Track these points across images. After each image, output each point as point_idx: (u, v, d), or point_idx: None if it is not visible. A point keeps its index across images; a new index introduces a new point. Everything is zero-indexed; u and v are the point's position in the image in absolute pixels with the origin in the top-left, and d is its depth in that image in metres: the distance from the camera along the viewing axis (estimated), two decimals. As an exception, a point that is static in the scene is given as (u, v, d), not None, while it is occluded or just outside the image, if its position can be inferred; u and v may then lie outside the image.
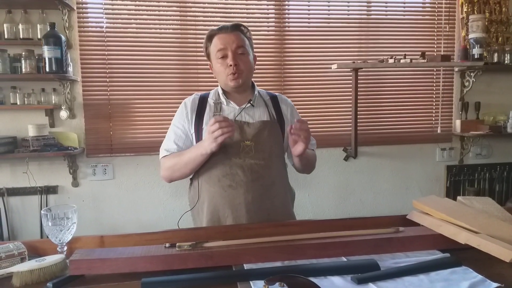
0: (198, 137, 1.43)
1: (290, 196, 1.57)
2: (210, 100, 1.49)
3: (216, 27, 1.45)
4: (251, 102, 1.46)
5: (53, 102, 2.51)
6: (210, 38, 1.44)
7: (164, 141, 1.51)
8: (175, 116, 1.51)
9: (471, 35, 2.79)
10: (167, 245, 1.03)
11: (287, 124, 1.48)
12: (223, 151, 1.38)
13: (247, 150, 1.40)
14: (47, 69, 2.29)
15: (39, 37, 2.41)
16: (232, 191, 1.38)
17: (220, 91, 1.48)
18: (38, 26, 2.44)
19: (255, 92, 1.50)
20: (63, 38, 2.35)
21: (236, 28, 1.43)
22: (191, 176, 1.51)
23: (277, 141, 1.46)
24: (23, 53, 2.35)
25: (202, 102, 1.49)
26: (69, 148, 2.46)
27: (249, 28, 1.48)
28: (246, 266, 0.97)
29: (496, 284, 0.84)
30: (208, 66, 1.52)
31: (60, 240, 1.04)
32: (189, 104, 1.49)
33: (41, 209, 2.51)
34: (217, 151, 1.34)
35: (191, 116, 1.46)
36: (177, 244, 1.01)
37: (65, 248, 1.05)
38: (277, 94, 1.58)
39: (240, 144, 1.40)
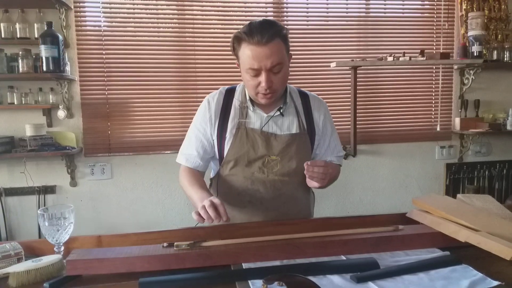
0: (221, 144, 1.33)
1: (312, 204, 1.50)
2: (236, 101, 1.35)
3: (246, 29, 1.19)
4: (281, 111, 1.32)
5: (51, 101, 2.50)
6: (239, 41, 1.21)
7: (184, 142, 1.39)
8: (198, 115, 1.38)
9: (470, 33, 2.79)
10: (165, 244, 1.02)
11: (318, 135, 1.38)
12: (246, 164, 1.29)
13: (272, 165, 1.30)
14: (44, 69, 2.28)
15: (36, 36, 2.40)
16: (252, 207, 1.30)
17: (248, 95, 1.34)
18: (35, 25, 2.42)
19: (287, 100, 1.34)
20: (60, 37, 2.34)
21: (274, 37, 1.17)
22: (211, 176, 1.44)
23: (305, 155, 1.34)
24: (20, 53, 2.34)
25: (227, 103, 1.34)
26: (67, 148, 2.45)
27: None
28: (245, 266, 0.96)
29: (496, 282, 0.84)
30: (236, 64, 1.32)
31: (57, 240, 1.03)
32: (213, 106, 1.34)
33: (39, 209, 2.50)
34: (240, 161, 1.28)
35: (214, 121, 1.33)
36: (175, 243, 1.00)
37: (62, 248, 1.04)
38: (310, 95, 1.42)
39: (265, 158, 1.29)
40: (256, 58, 1.18)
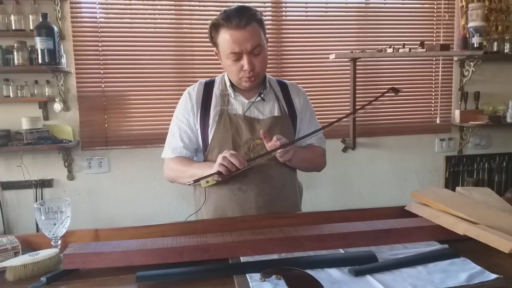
0: (204, 133, 1.33)
1: (299, 194, 1.49)
2: (216, 90, 1.36)
3: (222, 15, 1.22)
4: (262, 95, 1.34)
5: (47, 94, 2.48)
6: (216, 28, 1.24)
7: (168, 137, 1.39)
8: (178, 108, 1.39)
9: (470, 24, 2.76)
10: (191, 181, 1.17)
11: (299, 118, 1.40)
12: (231, 149, 1.26)
13: (258, 150, 1.30)
14: (40, 61, 2.26)
15: (31, 28, 2.38)
16: (242, 194, 1.29)
17: (228, 82, 1.36)
18: (30, 17, 2.40)
19: (267, 85, 1.37)
20: (56, 29, 2.32)
21: (251, 20, 1.21)
22: None
23: (288, 138, 1.32)
24: (15, 45, 2.32)
25: (207, 93, 1.36)
26: (64, 141, 2.43)
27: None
28: (243, 259, 0.96)
29: (495, 275, 0.83)
30: (214, 53, 1.35)
31: (54, 234, 1.03)
32: (194, 95, 1.36)
33: (36, 202, 2.50)
34: (225, 147, 1.27)
35: (196, 110, 1.34)
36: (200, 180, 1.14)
37: (59, 242, 1.04)
38: (288, 83, 1.46)
39: (250, 143, 1.30)
40: (236, 42, 1.20)
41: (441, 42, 2.85)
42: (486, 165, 3.06)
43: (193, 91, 1.37)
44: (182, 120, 1.36)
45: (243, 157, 1.16)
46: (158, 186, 2.71)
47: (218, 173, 1.16)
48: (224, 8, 1.28)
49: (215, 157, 1.29)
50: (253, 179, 1.29)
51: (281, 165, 1.33)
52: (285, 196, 1.36)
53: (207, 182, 1.17)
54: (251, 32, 1.21)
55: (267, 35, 1.33)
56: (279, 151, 1.22)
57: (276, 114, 1.36)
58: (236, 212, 1.30)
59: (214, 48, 1.32)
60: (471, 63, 2.89)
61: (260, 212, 1.29)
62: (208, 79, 1.42)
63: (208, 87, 1.37)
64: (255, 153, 1.30)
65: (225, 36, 1.22)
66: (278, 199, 1.33)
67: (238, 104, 1.34)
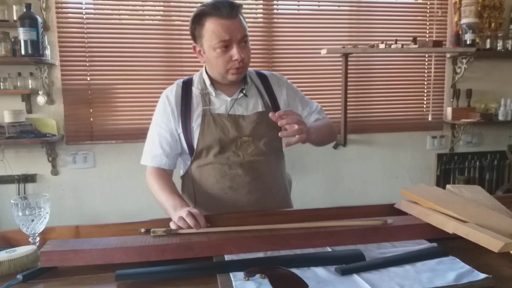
0: (187, 136, 1.29)
1: (289, 187, 1.49)
2: (196, 90, 1.32)
3: (209, 6, 1.19)
4: (244, 91, 1.31)
5: (30, 87, 2.42)
6: (202, 18, 1.21)
7: (147, 144, 1.34)
8: (157, 114, 1.34)
9: (463, 20, 2.76)
10: (142, 230, 1.00)
11: (285, 107, 1.36)
12: (220, 150, 1.26)
13: (245, 147, 1.28)
14: (23, 52, 2.21)
15: (15, 18, 2.32)
16: (234, 192, 1.28)
17: (208, 81, 1.31)
18: (14, 7, 2.34)
19: (247, 80, 1.34)
20: (40, 19, 2.26)
21: (239, 11, 1.21)
22: (182, 174, 1.39)
23: (275, 133, 1.28)
24: (-2, 36, 2.26)
25: (186, 94, 1.31)
26: (47, 135, 2.38)
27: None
28: (227, 257, 0.94)
29: (484, 275, 0.82)
30: (192, 49, 1.33)
31: (31, 231, 1.01)
32: (172, 99, 1.31)
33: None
34: (212, 148, 1.26)
35: (177, 114, 1.30)
36: (151, 229, 0.99)
37: (38, 239, 1.02)
38: (267, 73, 1.42)
39: (238, 140, 1.27)
40: (227, 31, 1.18)
41: (434, 39, 2.84)
42: (478, 163, 3.07)
43: (171, 94, 1.32)
44: (161, 126, 1.31)
45: (203, 218, 1.05)
46: (145, 182, 2.65)
47: (169, 230, 1.03)
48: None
49: (203, 161, 1.30)
50: (244, 176, 1.28)
51: (270, 159, 1.32)
52: (276, 190, 1.35)
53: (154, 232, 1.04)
54: (240, 22, 1.21)
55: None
56: (295, 138, 1.12)
57: (260, 109, 1.33)
58: (229, 211, 1.27)
59: (193, 44, 1.28)
60: (463, 60, 2.89)
61: (253, 209, 1.27)
62: (185, 78, 1.38)
63: (186, 87, 1.33)
64: (243, 150, 1.28)
65: (213, 26, 1.19)
66: (269, 194, 1.32)
67: (221, 103, 1.31)
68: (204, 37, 1.22)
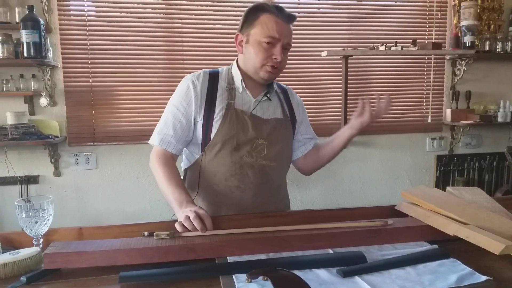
0: (207, 127, 1.26)
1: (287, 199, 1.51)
2: (222, 83, 1.31)
3: (270, 5, 1.24)
4: (268, 95, 1.33)
5: (33, 88, 2.43)
6: (260, 10, 1.24)
7: (160, 123, 1.30)
8: (176, 95, 1.30)
9: (463, 23, 2.77)
10: (146, 233, 1.00)
11: (298, 123, 1.42)
12: (235, 147, 1.25)
13: (260, 149, 1.28)
14: (25, 54, 2.21)
15: (17, 20, 2.32)
16: (240, 193, 1.27)
17: (239, 77, 1.30)
18: (16, 9, 2.34)
19: (274, 85, 1.37)
20: (42, 21, 2.26)
21: (293, 20, 1.28)
22: (186, 166, 1.37)
23: (288, 141, 1.38)
24: (0, 38, 2.27)
25: (212, 84, 1.29)
26: (50, 137, 2.39)
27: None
28: (230, 259, 0.94)
29: (484, 277, 0.82)
30: (234, 39, 1.30)
31: (35, 233, 1.01)
32: (198, 85, 1.27)
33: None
34: (228, 143, 1.25)
35: (201, 101, 1.27)
36: (155, 233, 0.99)
37: (41, 240, 1.02)
38: (286, 88, 1.47)
39: (254, 141, 1.27)
40: (279, 30, 1.23)
41: (433, 41, 2.84)
42: (477, 164, 3.07)
43: (197, 81, 1.29)
44: (179, 109, 1.28)
45: (210, 220, 1.04)
46: (147, 183, 2.67)
47: (174, 231, 1.02)
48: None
49: (214, 153, 1.27)
50: (253, 178, 1.27)
51: (279, 167, 1.33)
52: (280, 197, 1.38)
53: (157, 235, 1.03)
54: (291, 30, 1.28)
55: None
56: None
57: (279, 116, 1.35)
58: (230, 211, 1.27)
59: (238, 32, 1.30)
60: (463, 62, 2.90)
61: (256, 212, 1.27)
62: (211, 69, 1.36)
63: (213, 78, 1.31)
64: (257, 153, 1.28)
65: (269, 21, 1.23)
66: (273, 200, 1.33)
67: (245, 101, 1.31)
68: (254, 28, 1.24)
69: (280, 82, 1.47)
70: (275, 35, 1.22)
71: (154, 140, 1.30)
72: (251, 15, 1.25)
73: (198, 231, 1.01)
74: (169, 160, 1.28)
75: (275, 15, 1.23)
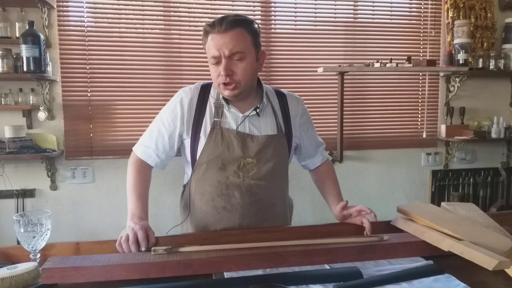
0: (195, 146, 1.27)
1: (289, 212, 1.46)
2: (211, 99, 1.29)
3: (210, 22, 1.21)
4: (257, 111, 1.28)
5: (31, 102, 2.44)
6: (205, 33, 1.22)
7: (146, 132, 1.34)
8: (166, 109, 1.31)
9: (456, 40, 2.82)
10: (143, 248, 1.02)
11: (299, 133, 1.36)
12: (221, 167, 1.24)
13: (248, 168, 1.24)
14: (25, 69, 2.23)
15: (17, 35, 2.35)
16: (227, 214, 1.25)
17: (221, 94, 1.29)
18: (17, 24, 2.37)
19: (264, 99, 1.30)
20: (42, 37, 2.29)
21: (233, 25, 1.17)
22: (184, 183, 1.38)
23: (282, 158, 1.31)
24: (0, 52, 2.28)
25: (202, 101, 1.28)
26: (47, 150, 2.39)
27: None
28: (227, 275, 0.94)
29: (479, 293, 0.83)
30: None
31: (33, 247, 1.01)
32: (186, 104, 1.27)
33: (17, 213, 2.44)
34: (214, 163, 1.24)
35: (187, 120, 1.27)
36: (152, 248, 0.99)
37: (39, 255, 1.02)
38: (286, 94, 1.38)
39: (241, 161, 1.23)
40: (215, 46, 1.18)
41: (428, 58, 2.90)
42: (472, 179, 3.09)
43: (186, 98, 1.29)
44: (164, 124, 1.30)
45: (144, 240, 1.06)
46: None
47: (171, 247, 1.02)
48: (213, 18, 1.28)
49: (201, 172, 1.28)
50: (240, 199, 1.25)
51: (271, 185, 1.29)
52: (274, 216, 1.32)
53: None
54: (232, 37, 1.17)
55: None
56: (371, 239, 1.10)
57: (271, 132, 1.29)
58: (218, 230, 1.27)
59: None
60: (456, 79, 2.95)
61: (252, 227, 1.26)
62: (205, 82, 1.35)
63: (204, 94, 1.30)
64: (244, 172, 1.24)
65: (210, 41, 1.20)
66: (265, 219, 1.29)
67: (232, 118, 1.27)
68: (207, 53, 1.24)
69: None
70: (215, 54, 1.18)
71: (137, 149, 1.34)
72: (204, 39, 1.24)
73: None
74: (144, 168, 1.32)
75: (211, 32, 1.19)
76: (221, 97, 1.28)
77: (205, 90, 1.31)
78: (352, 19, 2.89)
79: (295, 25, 2.82)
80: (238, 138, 1.25)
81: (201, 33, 1.25)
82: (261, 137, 1.27)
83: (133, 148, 1.36)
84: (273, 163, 1.27)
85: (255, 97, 1.31)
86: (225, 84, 1.20)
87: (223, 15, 1.21)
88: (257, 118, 1.29)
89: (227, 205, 1.26)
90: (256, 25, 1.25)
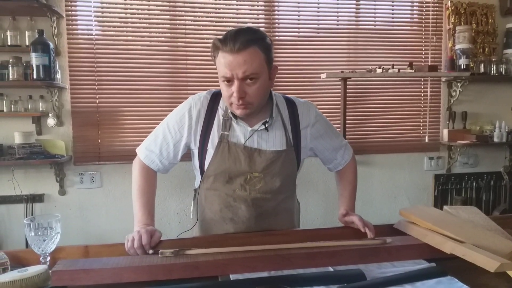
0: (202, 157, 1.25)
1: (297, 216, 1.45)
2: (220, 110, 1.25)
3: (222, 36, 1.13)
4: (266, 125, 1.23)
5: (41, 109, 2.48)
6: (216, 49, 1.15)
7: (151, 136, 1.31)
8: (173, 115, 1.28)
9: (457, 46, 2.84)
10: (151, 251, 1.04)
11: (304, 148, 1.31)
12: (227, 180, 1.24)
13: (254, 182, 1.23)
14: (35, 76, 2.26)
15: (27, 44, 2.39)
16: (233, 225, 1.27)
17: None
18: (27, 33, 2.42)
19: (273, 114, 1.25)
20: (51, 45, 2.33)
21: (247, 45, 1.10)
22: (195, 186, 1.38)
23: (290, 172, 1.29)
24: (11, 60, 2.33)
25: (211, 111, 1.25)
26: (56, 156, 2.42)
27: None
28: (232, 277, 0.96)
29: (480, 294, 0.84)
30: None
31: (43, 251, 1.02)
32: (194, 114, 1.24)
33: (26, 217, 2.47)
34: (220, 177, 1.23)
35: (195, 130, 1.25)
36: (159, 250, 1.01)
37: (48, 258, 1.03)
38: (297, 102, 1.32)
39: (248, 175, 1.22)
40: (228, 66, 1.11)
41: (429, 63, 2.91)
42: (474, 183, 3.09)
43: (195, 108, 1.25)
44: (171, 131, 1.27)
45: (148, 243, 1.08)
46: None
47: (178, 249, 1.05)
48: (219, 28, 1.26)
49: (210, 183, 1.28)
50: (246, 212, 1.25)
51: (278, 197, 1.28)
52: (280, 224, 1.32)
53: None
54: (246, 58, 1.10)
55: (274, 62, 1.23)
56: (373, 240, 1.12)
57: (279, 147, 1.25)
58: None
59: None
60: (458, 84, 2.96)
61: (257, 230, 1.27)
62: (217, 90, 1.28)
63: (213, 104, 1.26)
64: (251, 186, 1.23)
65: (220, 59, 1.14)
66: (270, 228, 1.29)
67: (240, 131, 1.24)
68: (217, 67, 1.18)
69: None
70: (227, 75, 1.12)
71: (140, 152, 1.32)
72: (213, 54, 1.17)
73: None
74: (149, 173, 1.30)
75: (222, 50, 1.12)
76: (229, 110, 1.24)
77: (214, 100, 1.27)
78: (354, 26, 2.91)
79: (298, 32, 2.85)
80: (245, 153, 1.22)
81: (206, 40, 1.24)
82: (269, 153, 1.24)
83: (136, 150, 1.33)
84: (280, 177, 1.26)
85: (265, 110, 1.26)
86: (237, 104, 1.16)
87: (235, 29, 1.14)
88: (266, 132, 1.25)
89: (234, 216, 1.27)
90: (268, 40, 1.17)
